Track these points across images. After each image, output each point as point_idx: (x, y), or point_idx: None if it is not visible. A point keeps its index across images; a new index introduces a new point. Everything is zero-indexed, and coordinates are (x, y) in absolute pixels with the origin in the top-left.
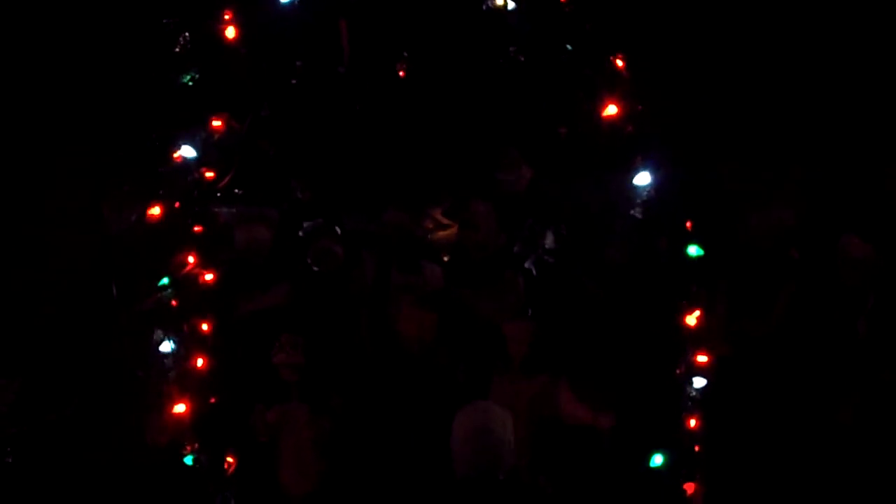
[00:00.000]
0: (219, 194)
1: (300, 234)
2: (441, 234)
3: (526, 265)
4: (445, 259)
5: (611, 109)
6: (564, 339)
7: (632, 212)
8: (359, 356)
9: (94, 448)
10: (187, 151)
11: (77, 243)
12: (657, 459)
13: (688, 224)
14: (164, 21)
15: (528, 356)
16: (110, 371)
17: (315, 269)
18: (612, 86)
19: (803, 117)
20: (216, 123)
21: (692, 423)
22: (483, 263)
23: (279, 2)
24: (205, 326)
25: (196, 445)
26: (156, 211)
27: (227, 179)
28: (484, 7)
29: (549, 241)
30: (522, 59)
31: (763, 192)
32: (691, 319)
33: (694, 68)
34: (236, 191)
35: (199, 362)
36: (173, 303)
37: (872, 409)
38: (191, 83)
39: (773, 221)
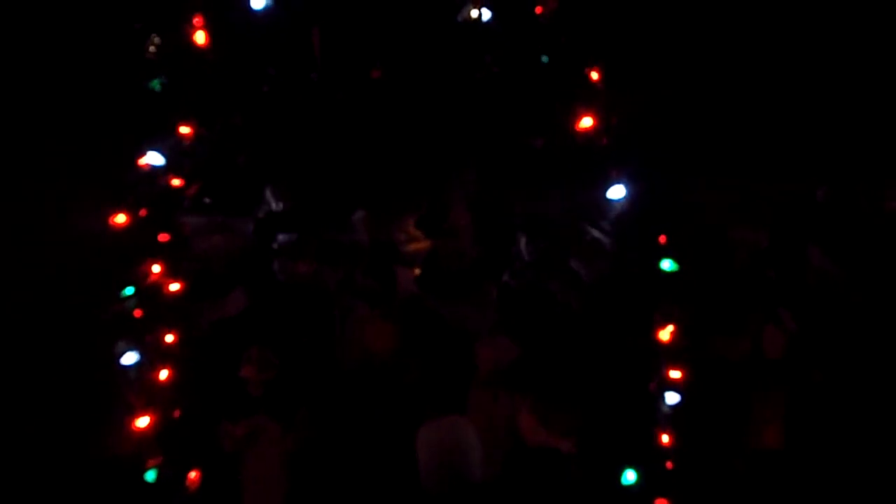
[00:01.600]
0: (187, 203)
1: (273, 246)
2: (413, 245)
3: (503, 278)
4: (417, 271)
5: (586, 122)
6: (536, 354)
7: (605, 225)
8: (329, 369)
9: (53, 461)
10: (154, 158)
11: (40, 250)
12: (629, 475)
13: (661, 238)
14: (134, 25)
15: (503, 372)
16: (72, 381)
17: (281, 280)
18: (588, 98)
19: (781, 133)
20: (185, 130)
21: (664, 438)
22: (457, 274)
23: (251, 7)
24: (169, 337)
25: (159, 460)
26: (121, 218)
27: (195, 188)
28: (459, 18)
29: (524, 253)
30: (497, 69)
31: (737, 208)
32: (665, 334)
33: (671, 81)
34: (206, 200)
35: (164, 374)
36: (137, 312)
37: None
38: (159, 88)
39: (746, 240)
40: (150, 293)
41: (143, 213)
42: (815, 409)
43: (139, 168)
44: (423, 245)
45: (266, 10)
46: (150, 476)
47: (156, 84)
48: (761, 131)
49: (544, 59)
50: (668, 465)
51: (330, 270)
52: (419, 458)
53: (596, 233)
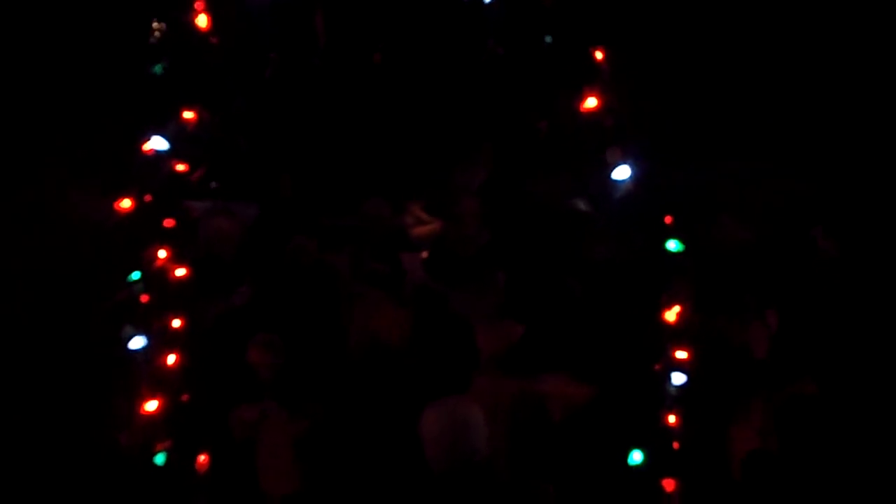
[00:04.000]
0: (193, 188)
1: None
2: (421, 229)
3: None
4: (425, 255)
5: (590, 102)
6: (544, 337)
7: (611, 206)
8: (338, 355)
9: (62, 447)
10: (158, 143)
11: (45, 237)
12: (636, 456)
13: (667, 219)
14: (137, 10)
15: (508, 356)
16: (80, 367)
17: (289, 265)
18: (592, 79)
19: (784, 117)
20: (188, 115)
21: (671, 419)
22: (464, 260)
23: None
24: (176, 322)
25: (168, 444)
26: (126, 204)
27: (199, 172)
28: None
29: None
30: (501, 51)
31: (735, 192)
32: (671, 315)
33: (675, 61)
34: (212, 184)
35: (171, 359)
36: (144, 298)
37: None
38: (162, 73)
39: (731, 235)
40: (157, 278)
41: (148, 198)
42: (806, 418)
43: (144, 153)
44: (429, 228)
45: None
46: (159, 460)
47: (159, 69)
48: (767, 117)
49: (548, 39)
50: (675, 445)
51: (337, 256)
52: (424, 438)
53: (585, 206)
